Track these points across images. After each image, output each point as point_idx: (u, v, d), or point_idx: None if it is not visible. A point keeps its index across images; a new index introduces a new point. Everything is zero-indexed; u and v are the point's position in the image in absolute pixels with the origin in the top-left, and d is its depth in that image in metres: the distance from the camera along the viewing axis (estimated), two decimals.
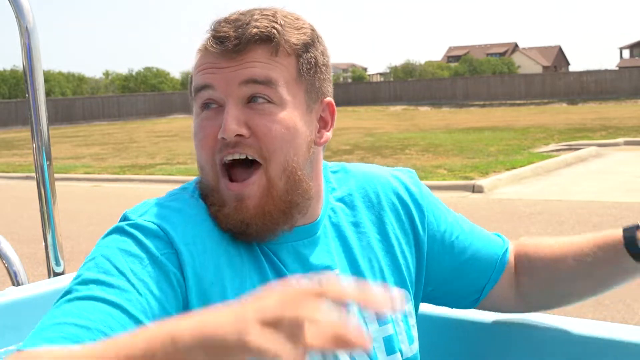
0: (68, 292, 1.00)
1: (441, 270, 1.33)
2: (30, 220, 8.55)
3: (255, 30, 1.09)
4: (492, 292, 1.36)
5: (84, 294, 0.97)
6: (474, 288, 1.36)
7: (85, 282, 0.99)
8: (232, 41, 1.09)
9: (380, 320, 1.21)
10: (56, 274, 2.30)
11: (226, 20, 1.12)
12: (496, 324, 1.56)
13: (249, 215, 1.09)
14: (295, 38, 1.13)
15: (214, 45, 1.10)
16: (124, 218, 1.10)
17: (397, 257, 1.26)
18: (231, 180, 1.11)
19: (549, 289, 1.37)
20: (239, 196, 1.10)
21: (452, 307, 1.43)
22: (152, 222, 1.06)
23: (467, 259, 1.34)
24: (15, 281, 2.34)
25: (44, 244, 2.30)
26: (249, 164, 1.10)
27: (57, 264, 2.30)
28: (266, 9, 1.14)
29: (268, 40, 1.10)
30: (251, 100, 1.09)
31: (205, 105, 1.12)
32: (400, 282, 1.26)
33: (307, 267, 1.16)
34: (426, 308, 1.65)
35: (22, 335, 1.97)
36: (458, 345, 1.63)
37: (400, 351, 1.22)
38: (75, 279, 1.01)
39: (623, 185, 9.79)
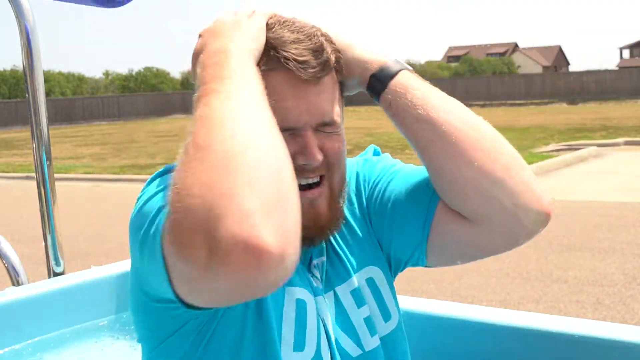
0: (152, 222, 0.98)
1: (386, 228, 1.28)
2: (30, 220, 8.55)
3: (332, 57, 1.14)
4: (438, 236, 1.21)
5: None
6: (413, 238, 1.24)
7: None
8: (315, 68, 1.11)
9: (358, 302, 1.23)
10: (56, 274, 2.30)
11: (297, 41, 1.11)
12: (496, 323, 1.56)
13: (325, 219, 1.16)
14: (336, 56, 1.18)
15: (301, 70, 1.10)
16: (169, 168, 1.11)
17: (361, 239, 1.28)
18: None
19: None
20: (313, 202, 1.14)
21: (412, 266, 1.30)
22: None
23: (394, 204, 1.26)
24: (15, 281, 2.34)
25: (44, 244, 2.30)
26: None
27: (57, 264, 2.31)
28: (309, 26, 1.15)
29: (335, 65, 1.16)
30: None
31: None
32: (369, 261, 1.27)
33: (307, 256, 1.21)
34: (425, 308, 1.65)
35: (22, 335, 1.98)
36: (457, 346, 1.63)
37: (376, 331, 1.24)
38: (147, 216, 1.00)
39: (623, 185, 9.79)
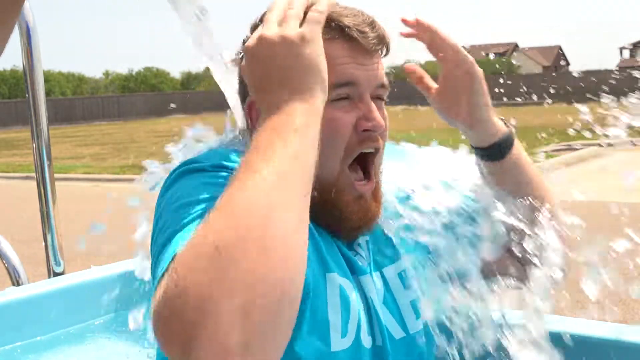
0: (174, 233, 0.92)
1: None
2: (30, 220, 8.53)
3: (384, 33, 1.16)
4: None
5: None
6: None
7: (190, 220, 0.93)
8: (373, 39, 1.13)
9: (405, 285, 1.23)
10: (56, 274, 2.30)
11: (351, 15, 1.13)
12: (496, 323, 1.56)
13: (374, 212, 1.16)
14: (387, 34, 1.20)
15: (363, 38, 1.12)
16: (199, 162, 1.07)
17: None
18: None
19: None
20: (365, 194, 1.15)
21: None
22: None
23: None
24: (15, 281, 2.34)
25: (44, 244, 2.30)
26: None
27: (57, 264, 2.31)
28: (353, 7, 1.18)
29: (385, 43, 1.18)
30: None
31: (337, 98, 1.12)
32: (415, 247, 1.28)
33: (352, 246, 1.21)
34: None
35: (22, 335, 1.97)
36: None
37: (420, 315, 1.24)
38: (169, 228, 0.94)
39: (623, 185, 9.77)
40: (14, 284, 2.33)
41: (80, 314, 2.11)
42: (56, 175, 2.43)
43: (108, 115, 39.93)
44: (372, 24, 1.14)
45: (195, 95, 46.88)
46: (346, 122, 1.11)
